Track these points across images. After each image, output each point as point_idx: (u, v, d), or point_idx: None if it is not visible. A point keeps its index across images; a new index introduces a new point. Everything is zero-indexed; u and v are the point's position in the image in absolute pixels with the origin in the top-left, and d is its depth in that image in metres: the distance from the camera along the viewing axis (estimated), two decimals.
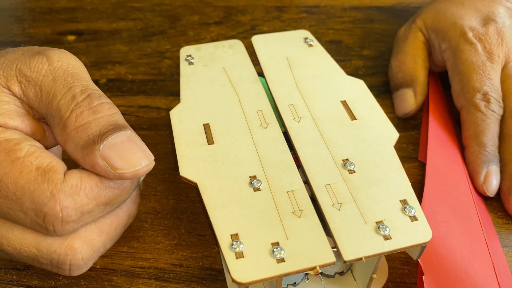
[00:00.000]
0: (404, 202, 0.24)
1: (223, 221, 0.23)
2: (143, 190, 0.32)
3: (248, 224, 0.23)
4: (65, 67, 0.24)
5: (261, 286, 0.26)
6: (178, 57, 0.36)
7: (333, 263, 0.22)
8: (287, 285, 0.26)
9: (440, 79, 0.40)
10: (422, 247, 0.23)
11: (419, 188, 0.32)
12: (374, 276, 0.24)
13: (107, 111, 0.23)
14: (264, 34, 0.36)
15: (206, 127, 0.28)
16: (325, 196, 0.24)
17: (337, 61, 0.33)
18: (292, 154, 0.27)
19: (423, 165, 0.34)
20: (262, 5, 0.52)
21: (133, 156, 0.22)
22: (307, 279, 0.27)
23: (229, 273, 0.21)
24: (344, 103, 0.30)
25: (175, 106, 0.29)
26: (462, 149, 0.34)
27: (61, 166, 0.22)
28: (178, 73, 0.33)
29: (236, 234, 0.22)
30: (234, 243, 0.22)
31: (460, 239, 0.28)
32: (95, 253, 0.23)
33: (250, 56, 0.34)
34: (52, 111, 0.23)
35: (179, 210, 0.32)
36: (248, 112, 0.29)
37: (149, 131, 0.38)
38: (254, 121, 0.28)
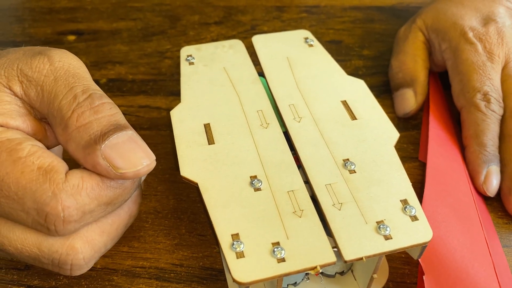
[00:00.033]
0: (404, 202, 0.24)
1: (223, 221, 0.23)
2: (143, 190, 0.32)
3: (249, 224, 0.23)
4: (66, 67, 0.24)
5: (261, 286, 0.26)
6: (178, 57, 0.36)
7: (334, 263, 0.22)
8: (287, 285, 0.26)
9: (440, 79, 0.40)
10: (423, 247, 0.23)
11: (419, 188, 0.32)
12: (375, 276, 0.24)
13: (109, 111, 0.23)
14: (264, 34, 0.36)
15: (207, 127, 0.28)
16: (325, 196, 0.24)
17: (337, 61, 0.34)
18: (293, 154, 0.27)
19: (423, 165, 0.34)
20: (262, 5, 0.52)
21: (134, 156, 0.22)
22: (308, 279, 0.27)
23: (230, 273, 0.21)
24: (345, 103, 0.30)
25: (175, 106, 0.29)
26: (463, 149, 0.34)
27: (62, 166, 0.22)
28: (178, 73, 0.33)
29: (237, 234, 0.22)
30: (234, 243, 0.22)
31: (460, 239, 0.28)
32: (96, 253, 0.24)
33: (250, 56, 0.34)
34: (54, 111, 0.23)
35: (180, 210, 0.32)
36: (248, 112, 0.29)
37: (150, 131, 0.38)
38: (255, 121, 0.28)
